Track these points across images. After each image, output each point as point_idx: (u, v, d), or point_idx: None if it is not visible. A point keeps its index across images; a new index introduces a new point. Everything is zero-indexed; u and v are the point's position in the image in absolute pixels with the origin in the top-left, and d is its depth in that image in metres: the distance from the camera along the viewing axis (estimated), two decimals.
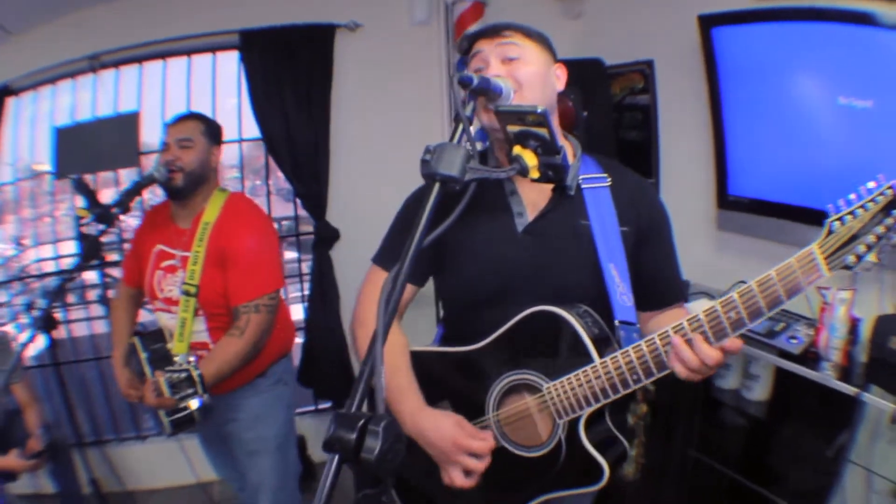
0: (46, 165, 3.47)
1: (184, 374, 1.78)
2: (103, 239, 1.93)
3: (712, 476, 2.42)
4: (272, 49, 2.93)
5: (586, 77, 2.85)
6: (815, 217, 2.13)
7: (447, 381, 1.44)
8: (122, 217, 1.94)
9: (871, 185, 1.04)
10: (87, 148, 2.94)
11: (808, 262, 1.07)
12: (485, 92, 1.20)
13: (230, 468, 2.37)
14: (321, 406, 3.56)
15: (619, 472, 1.34)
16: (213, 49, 3.09)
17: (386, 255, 1.51)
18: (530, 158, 1.11)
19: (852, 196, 1.05)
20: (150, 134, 3.06)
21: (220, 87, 3.18)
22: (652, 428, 2.55)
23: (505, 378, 1.34)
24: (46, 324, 1.76)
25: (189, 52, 3.05)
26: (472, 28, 1.45)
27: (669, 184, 2.98)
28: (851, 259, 1.04)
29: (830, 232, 1.06)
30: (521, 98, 1.28)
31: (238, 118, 3.25)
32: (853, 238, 1.04)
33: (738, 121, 2.44)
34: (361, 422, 0.76)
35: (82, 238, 1.87)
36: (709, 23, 2.41)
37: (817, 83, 2.13)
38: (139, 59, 2.99)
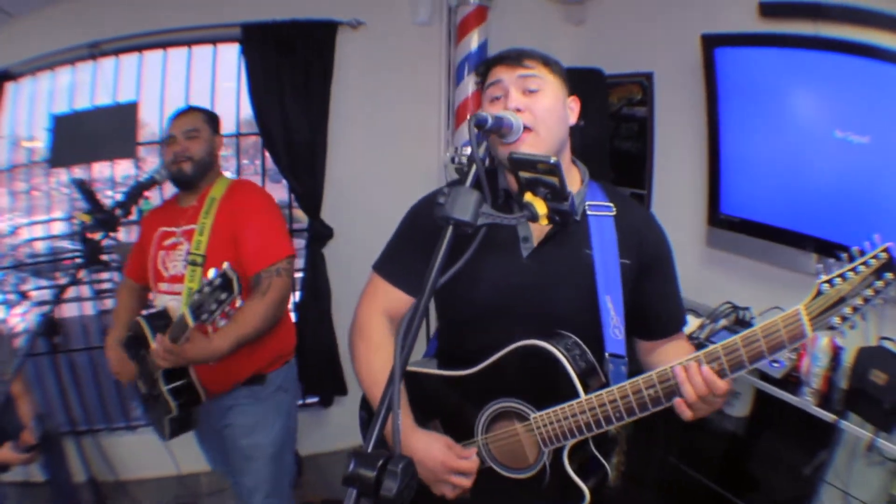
0: (38, 142, 3.44)
1: (217, 281, 1.64)
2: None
3: (691, 484, 2.48)
4: (273, 43, 2.92)
5: (585, 86, 2.88)
6: (804, 242, 2.21)
7: (439, 402, 1.48)
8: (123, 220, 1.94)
9: (867, 245, 1.04)
10: (85, 137, 2.92)
11: (793, 322, 1.08)
12: (498, 130, 1.24)
13: (225, 464, 2.37)
14: (309, 401, 3.59)
15: (600, 492, 1.37)
16: (213, 41, 3.08)
17: (387, 265, 1.53)
18: (540, 206, 1.13)
19: (845, 256, 1.06)
20: (149, 121, 3.06)
21: (219, 78, 3.16)
22: (633, 435, 2.62)
23: (494, 404, 1.38)
24: (48, 329, 1.75)
25: (189, 43, 3.04)
26: (493, 53, 1.45)
27: (662, 197, 3.03)
28: (836, 321, 1.05)
29: (819, 293, 1.06)
30: (536, 135, 1.32)
31: (236, 111, 3.25)
32: (841, 300, 1.04)
33: (735, 141, 2.48)
34: (381, 462, 0.81)
35: (84, 242, 1.85)
36: (712, 43, 2.44)
37: (815, 114, 2.16)
38: (139, 48, 2.98)
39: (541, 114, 1.33)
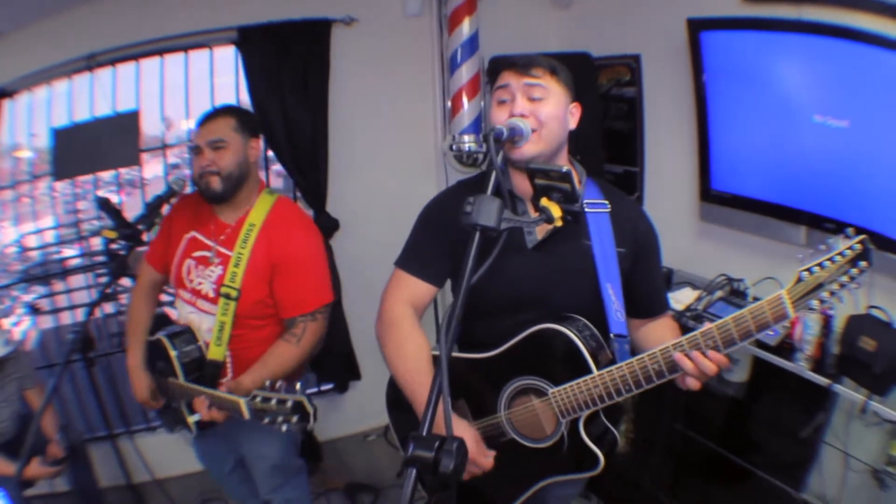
0: (28, 152, 3.46)
1: (289, 404, 1.56)
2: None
3: (697, 448, 2.59)
4: (270, 44, 2.95)
5: (574, 70, 2.95)
6: (791, 214, 2.32)
7: (465, 383, 1.62)
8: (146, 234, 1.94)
9: (842, 238, 1.19)
10: (87, 148, 2.93)
11: (777, 306, 1.23)
12: (511, 139, 1.38)
13: (227, 473, 2.41)
14: (324, 388, 3.71)
15: (611, 458, 1.55)
16: (210, 44, 3.09)
17: (408, 261, 1.66)
18: (555, 210, 1.28)
19: (823, 247, 1.20)
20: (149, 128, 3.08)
21: (217, 76, 3.19)
22: (641, 404, 2.74)
23: (515, 382, 1.54)
24: (84, 345, 1.76)
25: (186, 49, 3.05)
26: (506, 56, 1.57)
27: (654, 174, 3.12)
28: (815, 303, 1.21)
29: (799, 280, 1.21)
30: (538, 136, 1.45)
31: None
32: (819, 286, 1.20)
33: (723, 121, 2.55)
34: (437, 443, 0.92)
35: (111, 257, 1.87)
36: (697, 26, 2.50)
37: (795, 98, 2.24)
38: (136, 57, 2.98)
39: (543, 119, 1.46)
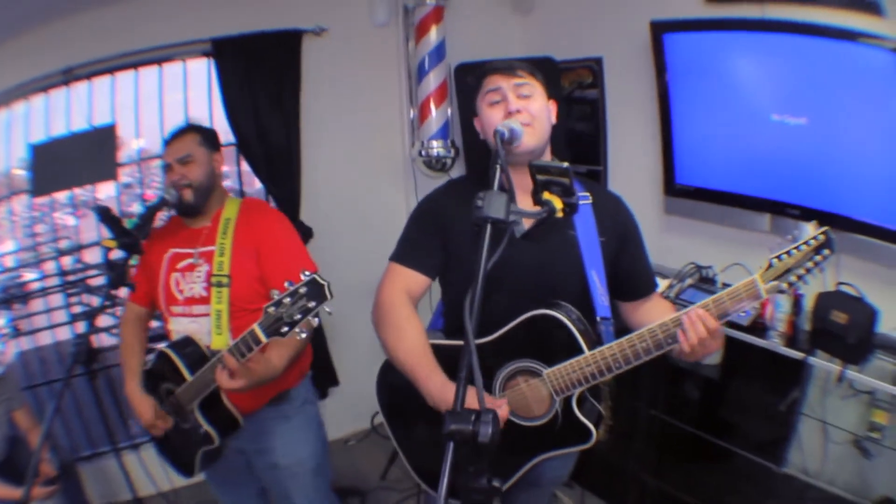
0: None
1: (302, 290, 1.53)
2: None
3: (678, 433, 2.66)
4: (243, 56, 3.00)
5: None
6: (755, 203, 2.45)
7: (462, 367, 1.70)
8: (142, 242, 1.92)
9: (810, 228, 1.38)
10: (65, 163, 2.90)
11: (751, 288, 1.42)
12: (510, 140, 1.49)
13: (251, 498, 2.37)
14: None
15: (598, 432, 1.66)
16: (184, 57, 3.11)
17: (404, 254, 1.75)
18: (557, 202, 1.36)
19: (790, 237, 1.41)
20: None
21: (191, 93, 3.21)
22: (618, 393, 2.83)
23: (510, 365, 1.64)
24: (88, 357, 1.73)
25: (160, 61, 3.07)
26: (486, 62, 1.71)
27: (617, 171, 3.24)
28: (784, 286, 1.40)
29: (770, 266, 1.40)
30: (532, 130, 1.59)
31: (209, 122, 3.28)
32: (787, 271, 1.39)
33: (686, 119, 2.67)
34: (473, 416, 0.98)
35: (110, 267, 1.87)
36: (661, 29, 2.61)
37: (754, 98, 2.37)
38: (111, 70, 2.98)
39: (535, 113, 1.60)
